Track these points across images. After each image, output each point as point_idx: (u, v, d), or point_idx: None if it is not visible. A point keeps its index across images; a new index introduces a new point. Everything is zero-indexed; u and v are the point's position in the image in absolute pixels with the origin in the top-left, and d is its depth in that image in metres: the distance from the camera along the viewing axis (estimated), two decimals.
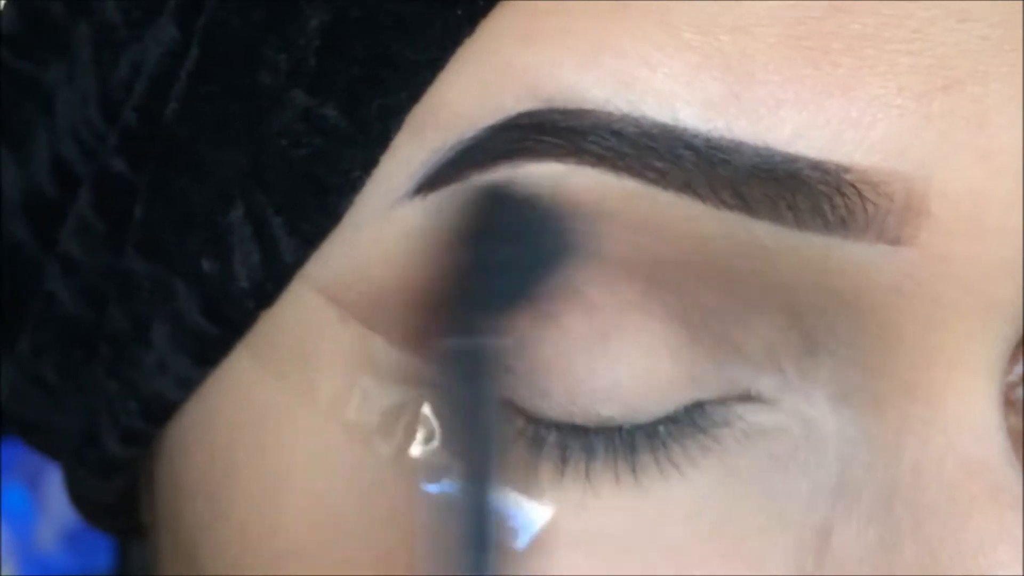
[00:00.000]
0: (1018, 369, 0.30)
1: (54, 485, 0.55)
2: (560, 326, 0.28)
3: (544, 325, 0.28)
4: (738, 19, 0.27)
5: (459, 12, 0.27)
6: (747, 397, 0.29)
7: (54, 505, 0.54)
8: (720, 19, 0.27)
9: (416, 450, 0.29)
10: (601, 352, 0.28)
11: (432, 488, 0.29)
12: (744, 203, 0.27)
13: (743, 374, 0.29)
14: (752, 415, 0.29)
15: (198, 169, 0.29)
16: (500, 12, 0.27)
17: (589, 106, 0.27)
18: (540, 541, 0.29)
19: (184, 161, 0.29)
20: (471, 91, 0.27)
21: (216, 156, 0.29)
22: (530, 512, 0.29)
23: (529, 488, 0.29)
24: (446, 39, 0.27)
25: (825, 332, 0.28)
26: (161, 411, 0.31)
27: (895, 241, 0.27)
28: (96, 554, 0.54)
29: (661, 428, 0.28)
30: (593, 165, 0.27)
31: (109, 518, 0.37)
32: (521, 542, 0.29)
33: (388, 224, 0.28)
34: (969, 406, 0.28)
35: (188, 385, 0.30)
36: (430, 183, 0.27)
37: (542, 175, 0.27)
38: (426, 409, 0.29)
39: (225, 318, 0.29)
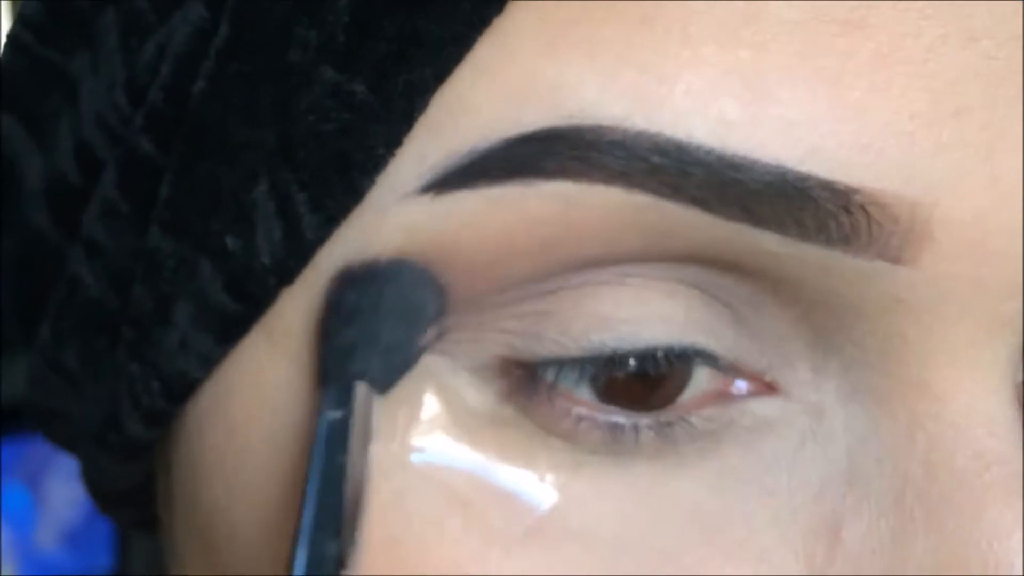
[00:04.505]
0: None
1: (54, 485, 0.55)
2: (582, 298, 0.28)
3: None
4: (757, 34, 0.27)
5: None
6: (761, 382, 0.29)
7: (54, 505, 0.54)
8: (740, 33, 0.27)
9: (416, 439, 0.29)
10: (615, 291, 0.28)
11: (422, 464, 0.29)
12: (751, 216, 0.27)
13: (760, 356, 0.29)
14: (761, 408, 0.29)
15: (225, 147, 0.29)
16: (526, 15, 0.27)
17: (607, 122, 0.27)
18: (538, 532, 0.29)
19: (211, 139, 0.29)
20: (493, 97, 0.27)
21: (244, 133, 0.29)
22: (529, 500, 0.29)
23: (531, 470, 0.29)
24: (473, 16, 0.27)
25: (833, 330, 0.29)
26: (183, 389, 0.31)
27: (896, 260, 0.27)
28: (96, 554, 0.54)
29: (659, 354, 0.28)
30: (605, 183, 0.27)
31: (125, 507, 0.37)
32: (518, 532, 0.29)
33: (392, 216, 0.28)
34: (981, 401, 0.28)
35: (209, 363, 0.31)
36: (439, 185, 0.28)
37: (553, 194, 0.27)
38: (428, 398, 0.29)
39: (247, 295, 0.30)
